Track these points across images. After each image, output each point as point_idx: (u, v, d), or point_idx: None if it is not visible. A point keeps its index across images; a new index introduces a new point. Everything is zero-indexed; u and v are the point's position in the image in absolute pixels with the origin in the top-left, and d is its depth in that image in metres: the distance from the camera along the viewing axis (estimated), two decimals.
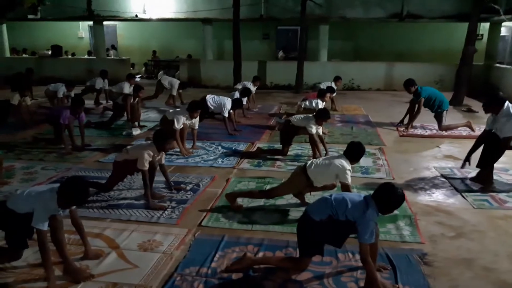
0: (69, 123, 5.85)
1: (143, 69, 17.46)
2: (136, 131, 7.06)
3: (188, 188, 4.56)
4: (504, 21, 10.77)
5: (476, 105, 10.11)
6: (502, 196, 4.38)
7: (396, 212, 3.84)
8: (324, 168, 3.74)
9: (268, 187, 4.59)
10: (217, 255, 3.16)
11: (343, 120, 8.47)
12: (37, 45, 17.49)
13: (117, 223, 3.72)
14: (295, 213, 3.92)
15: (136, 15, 14.15)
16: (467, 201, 4.25)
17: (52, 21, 15.92)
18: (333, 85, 9.07)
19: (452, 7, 12.75)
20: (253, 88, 9.36)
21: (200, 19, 13.89)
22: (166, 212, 3.96)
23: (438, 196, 4.40)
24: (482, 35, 14.36)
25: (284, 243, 3.37)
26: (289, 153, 5.88)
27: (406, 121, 7.69)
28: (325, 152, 5.66)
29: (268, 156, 5.76)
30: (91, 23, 16.44)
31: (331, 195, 2.83)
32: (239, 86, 9.23)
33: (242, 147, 6.32)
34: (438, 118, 7.31)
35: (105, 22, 15.08)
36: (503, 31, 13.73)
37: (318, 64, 13.64)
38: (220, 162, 5.53)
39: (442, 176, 5.02)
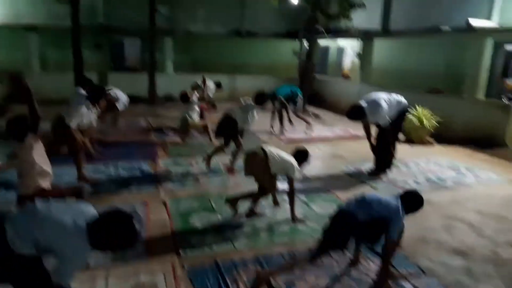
0: None
1: None
2: None
3: None
4: (326, 38, 12.90)
5: (314, 111, 11.82)
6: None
7: None
8: (280, 157, 3.95)
9: (213, 204, 4.45)
10: (228, 283, 2.97)
11: None
12: None
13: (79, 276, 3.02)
14: (258, 223, 4.02)
15: None
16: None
17: None
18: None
19: (281, 27, 14.51)
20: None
21: (23, 26, 11.90)
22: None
23: (356, 191, 5.06)
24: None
25: (278, 255, 3.39)
26: (199, 169, 5.79)
27: (277, 126, 8.45)
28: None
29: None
30: None
31: (364, 196, 2.95)
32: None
33: (145, 166, 5.82)
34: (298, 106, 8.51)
35: None
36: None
37: (165, 76, 13.47)
38: (138, 185, 4.99)
39: (347, 175, 5.80)
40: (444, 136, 7.86)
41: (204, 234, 3.76)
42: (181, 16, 13.49)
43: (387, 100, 5.47)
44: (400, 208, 2.85)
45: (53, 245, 2.02)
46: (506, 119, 7.40)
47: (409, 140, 7.70)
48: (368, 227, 2.78)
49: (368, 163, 6.04)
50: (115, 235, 2.10)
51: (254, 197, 4.14)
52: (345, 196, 4.82)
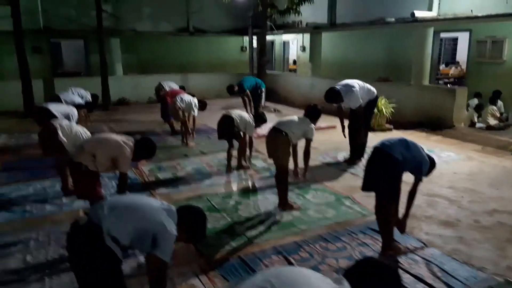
0: None
1: None
2: None
3: None
4: (276, 33, 13.30)
5: (273, 106, 12.11)
6: None
7: (333, 197, 4.70)
8: (296, 125, 4.37)
9: (213, 204, 4.58)
10: None
11: None
12: None
13: None
14: (264, 217, 4.26)
15: None
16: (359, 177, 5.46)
17: None
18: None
19: (228, 23, 14.66)
20: None
21: None
22: None
23: (340, 179, 5.43)
24: (246, 47, 16.91)
25: (293, 244, 3.65)
26: (185, 171, 5.85)
27: None
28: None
29: None
30: None
31: (406, 139, 3.36)
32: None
33: (130, 173, 5.73)
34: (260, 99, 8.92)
35: None
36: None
37: (115, 78, 13.06)
38: (66, 202, 4.77)
39: (326, 164, 6.15)
40: (398, 121, 8.54)
41: (218, 233, 3.90)
42: (127, 15, 13.13)
43: (361, 85, 5.88)
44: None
45: (152, 229, 2.23)
46: (452, 102, 8.22)
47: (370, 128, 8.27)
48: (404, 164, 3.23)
49: (341, 152, 6.47)
50: (198, 225, 2.45)
51: (283, 185, 4.44)
52: (333, 185, 5.18)
